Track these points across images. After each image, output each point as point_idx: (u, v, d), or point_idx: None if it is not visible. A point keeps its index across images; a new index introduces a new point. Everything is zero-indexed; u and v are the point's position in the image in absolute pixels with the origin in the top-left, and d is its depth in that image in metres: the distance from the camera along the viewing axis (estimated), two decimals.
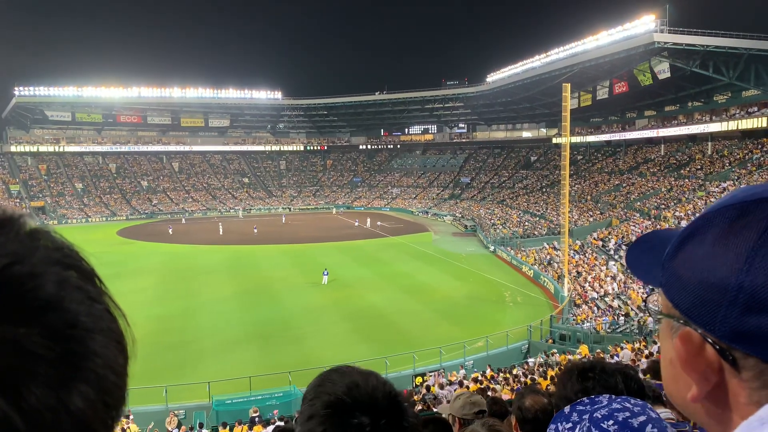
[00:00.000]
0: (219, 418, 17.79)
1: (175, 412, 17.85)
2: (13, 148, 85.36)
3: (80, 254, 0.46)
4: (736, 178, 44.11)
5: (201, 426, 16.41)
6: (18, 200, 77.40)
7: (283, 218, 73.69)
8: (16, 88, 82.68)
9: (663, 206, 44.00)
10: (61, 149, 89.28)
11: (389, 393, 1.12)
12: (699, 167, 51.16)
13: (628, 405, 1.18)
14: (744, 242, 0.61)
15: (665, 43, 48.28)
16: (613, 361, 15.37)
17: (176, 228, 64.72)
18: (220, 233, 59.01)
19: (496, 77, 79.02)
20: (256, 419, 15.98)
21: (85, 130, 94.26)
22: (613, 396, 1.26)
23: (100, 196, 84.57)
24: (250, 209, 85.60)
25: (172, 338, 25.29)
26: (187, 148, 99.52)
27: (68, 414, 0.40)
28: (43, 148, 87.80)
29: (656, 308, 0.79)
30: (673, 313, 0.69)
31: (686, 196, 44.78)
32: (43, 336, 0.40)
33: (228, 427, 15.72)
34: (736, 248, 0.62)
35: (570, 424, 1.22)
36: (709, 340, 0.63)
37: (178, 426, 16.91)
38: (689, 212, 39.22)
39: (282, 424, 11.06)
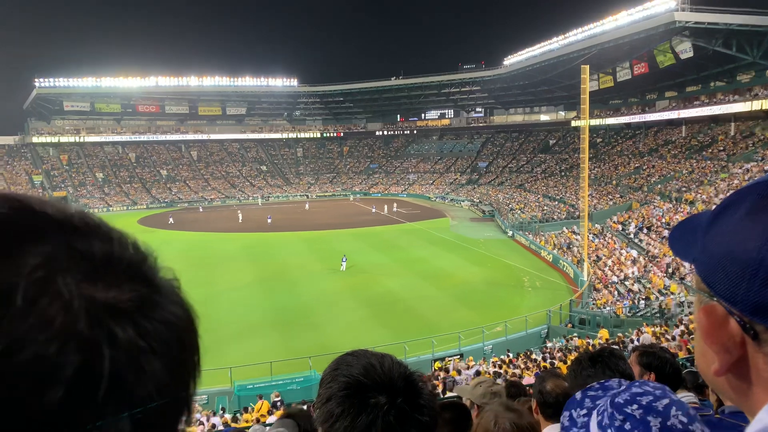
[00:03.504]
0: (241, 402, 18.06)
1: (198, 397, 18.14)
2: (35, 139, 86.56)
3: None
4: (760, 159, 43.24)
5: (223, 410, 16.69)
6: (41, 190, 78.73)
7: (307, 205, 73.94)
8: (36, 80, 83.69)
9: (684, 189, 43.34)
10: (82, 139, 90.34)
11: (404, 373, 1.15)
12: (721, 148, 50.23)
13: (648, 388, 1.16)
14: None
15: (686, 22, 47.27)
16: (633, 344, 15.27)
17: (194, 216, 65.47)
18: (240, 221, 59.44)
19: (513, 60, 78.10)
20: (278, 404, 16.18)
21: (105, 120, 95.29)
22: (624, 380, 1.25)
23: (120, 186, 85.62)
24: (269, 197, 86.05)
25: None
26: (205, 137, 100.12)
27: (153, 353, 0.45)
28: (64, 139, 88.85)
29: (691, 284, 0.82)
30: (702, 287, 0.69)
31: (708, 178, 44.03)
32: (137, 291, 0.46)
33: (250, 411, 15.96)
34: (763, 223, 0.62)
35: (584, 410, 1.21)
36: (733, 314, 0.64)
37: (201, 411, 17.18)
38: (711, 195, 38.59)
39: (304, 407, 11.18)
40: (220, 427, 14.15)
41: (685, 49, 51.88)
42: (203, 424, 15.10)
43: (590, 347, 17.84)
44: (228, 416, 16.08)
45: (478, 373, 17.08)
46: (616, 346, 17.48)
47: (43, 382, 0.38)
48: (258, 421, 14.24)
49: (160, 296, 0.48)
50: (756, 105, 49.07)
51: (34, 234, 0.43)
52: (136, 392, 0.43)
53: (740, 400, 0.68)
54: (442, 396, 12.97)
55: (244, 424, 15.04)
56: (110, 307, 0.43)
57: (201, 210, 74.10)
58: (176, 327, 0.48)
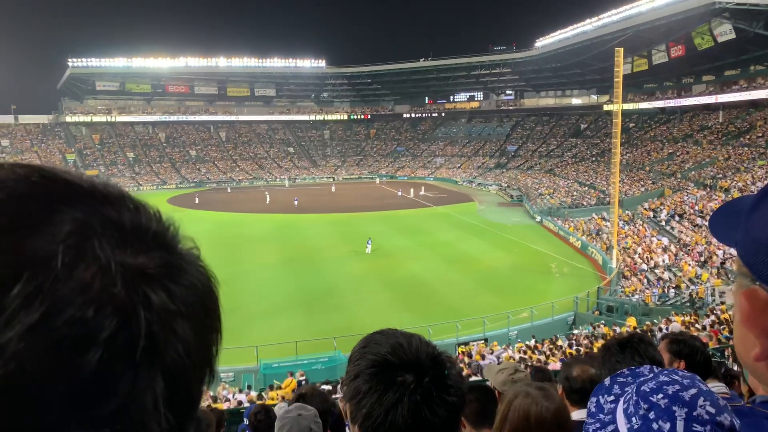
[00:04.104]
0: (266, 380, 18.34)
1: (224, 374, 18.51)
2: (68, 119, 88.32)
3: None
4: None
5: (249, 388, 16.98)
6: (74, 169, 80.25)
7: (333, 187, 74.17)
8: (69, 60, 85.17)
9: (720, 176, 42.21)
10: (113, 119, 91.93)
11: (432, 353, 1.17)
12: (760, 134, 48.71)
13: (676, 377, 1.12)
14: None
15: (727, 3, 45.65)
16: (662, 333, 15.04)
17: (223, 196, 66.35)
18: (267, 202, 59.95)
19: (545, 42, 76.66)
20: (302, 382, 16.39)
21: (135, 101, 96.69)
22: (655, 367, 1.21)
23: (150, 165, 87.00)
24: (296, 179, 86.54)
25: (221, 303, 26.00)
26: (233, 118, 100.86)
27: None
28: (96, 119, 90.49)
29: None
30: (743, 271, 0.68)
31: (745, 165, 42.80)
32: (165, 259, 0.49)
33: (275, 389, 16.20)
34: None
35: (612, 397, 1.18)
36: None
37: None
38: (748, 182, 37.55)
39: (329, 387, 11.29)
40: (246, 404, 14.40)
41: (725, 31, 50.21)
42: (229, 400, 15.39)
43: (617, 335, 17.63)
44: (254, 393, 16.34)
45: (498, 359, 17.04)
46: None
47: (83, 344, 0.39)
48: (283, 399, 14.47)
49: (184, 263, 0.50)
50: None
51: (66, 201, 0.44)
52: (168, 354, 0.44)
53: None
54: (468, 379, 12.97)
55: (270, 402, 15.29)
56: (142, 272, 0.45)
57: (229, 190, 74.95)
58: (201, 291, 0.51)
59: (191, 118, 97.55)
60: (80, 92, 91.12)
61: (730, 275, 25.08)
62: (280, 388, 16.30)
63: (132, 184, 78.63)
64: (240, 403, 14.83)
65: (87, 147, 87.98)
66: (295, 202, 58.65)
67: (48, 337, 0.38)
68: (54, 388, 0.38)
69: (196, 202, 60.64)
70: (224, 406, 14.44)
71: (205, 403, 14.09)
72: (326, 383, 15.31)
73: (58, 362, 0.38)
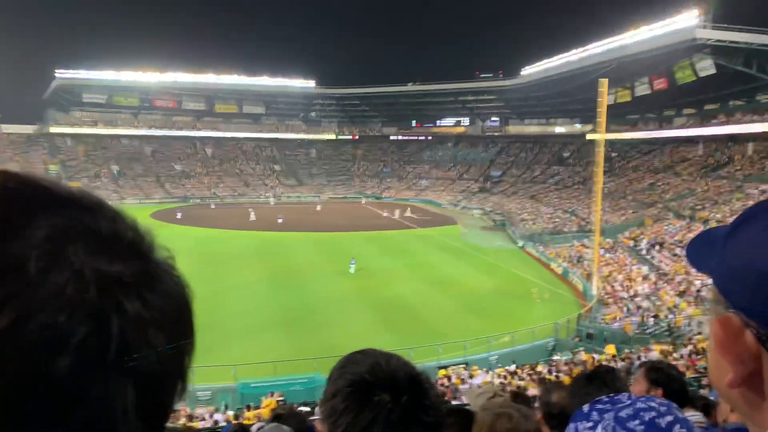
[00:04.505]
0: (244, 400, 18.10)
1: (201, 392, 18.24)
2: (53, 129, 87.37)
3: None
4: None
5: (226, 407, 16.74)
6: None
7: (318, 206, 73.94)
8: (57, 71, 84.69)
9: (699, 207, 42.95)
10: (99, 132, 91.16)
11: (410, 373, 1.16)
12: (738, 168, 49.75)
13: (653, 404, 1.15)
14: None
15: (708, 39, 46.96)
16: (640, 360, 15.14)
17: (206, 212, 65.93)
18: (251, 219, 59.60)
19: (531, 71, 77.94)
20: (281, 403, 16.19)
21: (122, 114, 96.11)
22: (634, 395, 1.25)
23: (134, 179, 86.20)
24: (281, 196, 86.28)
25: (199, 320, 25.26)
26: (220, 134, 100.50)
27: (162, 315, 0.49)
28: (82, 130, 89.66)
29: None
30: (718, 298, 0.68)
31: (723, 197, 43.63)
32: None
33: (252, 409, 16.00)
34: None
35: (590, 423, 1.19)
36: (750, 326, 0.63)
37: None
38: (726, 214, 38.23)
39: (307, 408, 11.20)
40: (223, 424, 14.19)
41: (707, 67, 51.47)
42: (206, 419, 15.16)
43: (597, 362, 17.73)
44: (231, 413, 16.13)
45: (478, 386, 16.99)
46: (620, 363, 17.34)
47: (54, 349, 0.39)
48: (260, 419, 14.28)
49: (160, 271, 0.51)
50: None
51: (44, 207, 0.45)
52: (140, 362, 0.44)
53: (752, 413, 0.67)
54: (449, 403, 12.91)
55: (247, 422, 15.07)
56: (117, 280, 0.45)
57: (213, 207, 74.44)
58: (175, 300, 0.52)
59: (178, 133, 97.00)
60: (67, 104, 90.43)
61: (705, 303, 25.36)
62: (257, 408, 16.10)
63: (115, 197, 77.72)
64: (216, 422, 14.62)
65: (71, 158, 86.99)
66: (280, 220, 58.24)
67: (19, 342, 0.38)
68: (25, 393, 0.38)
69: (178, 217, 60.03)
70: (200, 425, 14.22)
71: (181, 421, 13.87)
72: (304, 404, 15.16)
73: (29, 367, 0.38)
